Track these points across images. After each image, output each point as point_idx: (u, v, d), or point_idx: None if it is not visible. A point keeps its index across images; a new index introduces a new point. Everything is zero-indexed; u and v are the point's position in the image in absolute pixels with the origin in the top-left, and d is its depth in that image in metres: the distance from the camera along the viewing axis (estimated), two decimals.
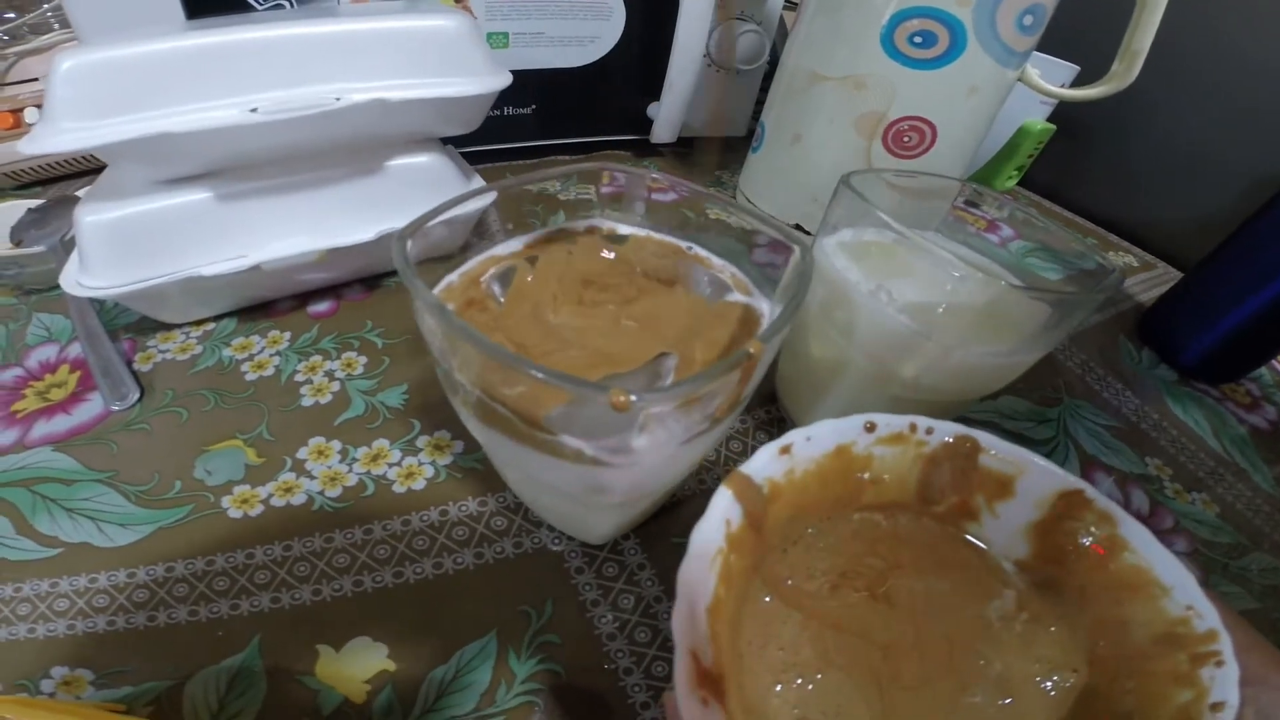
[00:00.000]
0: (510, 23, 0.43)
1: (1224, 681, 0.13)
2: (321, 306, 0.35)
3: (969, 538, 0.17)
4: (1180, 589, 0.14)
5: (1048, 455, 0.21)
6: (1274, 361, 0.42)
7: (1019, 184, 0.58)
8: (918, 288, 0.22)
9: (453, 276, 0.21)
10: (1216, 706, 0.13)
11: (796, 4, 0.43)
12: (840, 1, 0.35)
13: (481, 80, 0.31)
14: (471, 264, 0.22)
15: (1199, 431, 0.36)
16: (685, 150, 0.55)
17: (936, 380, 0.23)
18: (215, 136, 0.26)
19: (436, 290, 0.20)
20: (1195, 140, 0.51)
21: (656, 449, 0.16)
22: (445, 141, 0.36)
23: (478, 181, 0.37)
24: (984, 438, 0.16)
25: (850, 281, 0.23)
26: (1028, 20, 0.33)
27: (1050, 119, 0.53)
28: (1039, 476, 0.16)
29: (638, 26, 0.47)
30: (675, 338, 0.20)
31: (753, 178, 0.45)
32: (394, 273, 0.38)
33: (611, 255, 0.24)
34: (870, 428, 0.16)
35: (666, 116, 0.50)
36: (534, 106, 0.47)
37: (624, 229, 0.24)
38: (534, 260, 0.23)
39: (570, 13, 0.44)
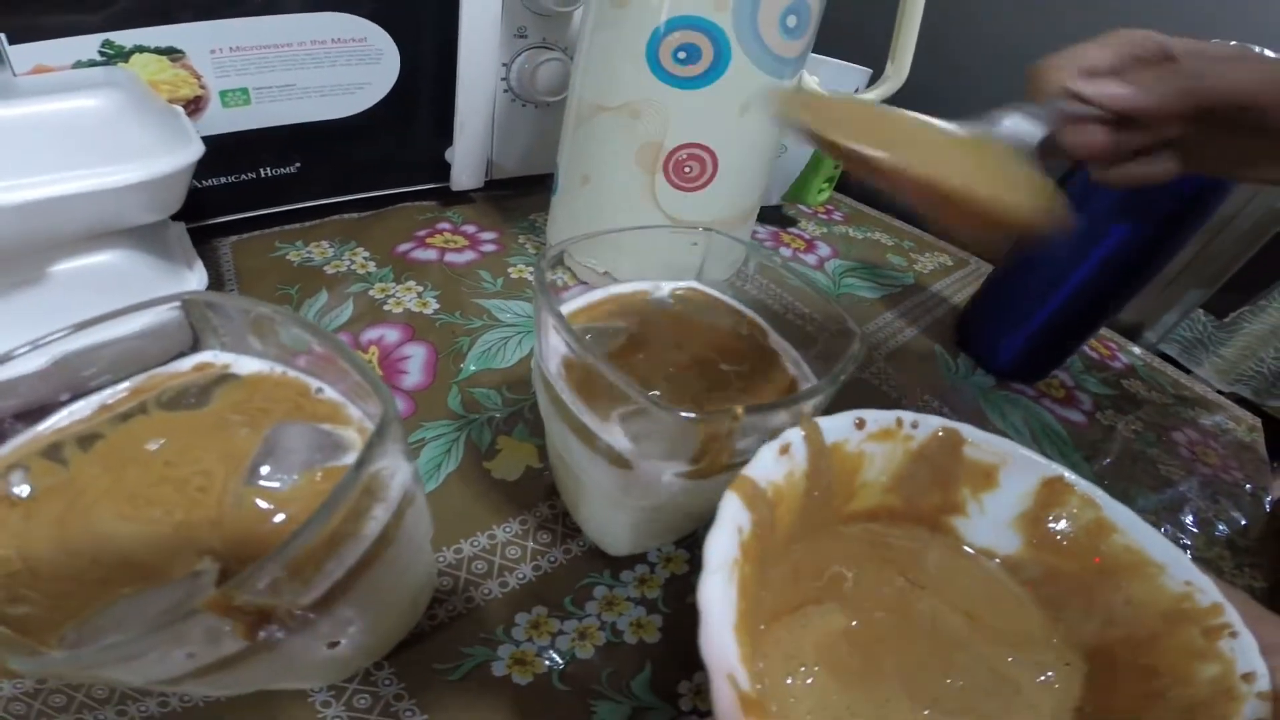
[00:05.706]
0: (248, 77, 0.37)
1: (1245, 651, 0.13)
2: None
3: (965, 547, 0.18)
4: (1175, 565, 0.14)
5: None
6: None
7: (839, 190, 0.57)
8: None
9: None
10: (1248, 677, 0.13)
11: None
12: (612, 19, 0.33)
13: (147, 165, 0.25)
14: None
15: (1018, 439, 0.35)
16: (504, 193, 0.51)
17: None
18: None
19: None
20: None
21: None
22: (177, 216, 0.30)
23: (190, 277, 0.31)
24: (966, 429, 0.17)
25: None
26: (791, 21, 0.31)
27: None
28: (1021, 465, 0.17)
29: (418, 66, 0.42)
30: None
31: (555, 224, 0.42)
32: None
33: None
34: (860, 424, 0.16)
35: (464, 159, 0.46)
36: (298, 165, 0.41)
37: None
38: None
39: (325, 60, 0.39)
